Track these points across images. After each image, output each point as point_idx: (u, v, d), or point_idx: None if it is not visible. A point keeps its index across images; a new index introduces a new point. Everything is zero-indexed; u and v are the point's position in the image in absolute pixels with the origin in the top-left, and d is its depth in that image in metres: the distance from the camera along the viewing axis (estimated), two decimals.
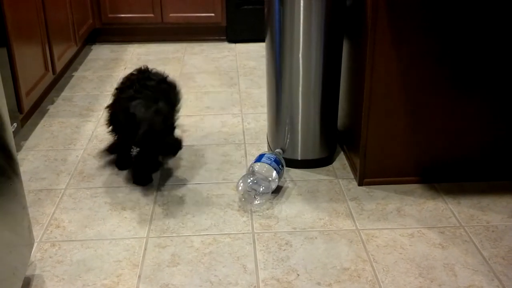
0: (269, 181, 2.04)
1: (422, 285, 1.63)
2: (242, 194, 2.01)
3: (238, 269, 1.71)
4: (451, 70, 1.98)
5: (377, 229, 1.89)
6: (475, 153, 2.12)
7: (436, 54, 1.95)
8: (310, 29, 2.07)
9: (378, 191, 2.10)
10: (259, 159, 2.11)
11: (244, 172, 2.24)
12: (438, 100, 2.02)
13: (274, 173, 2.07)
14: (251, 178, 2.03)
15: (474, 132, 2.09)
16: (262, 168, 2.06)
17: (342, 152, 2.39)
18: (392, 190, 2.11)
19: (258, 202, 2.00)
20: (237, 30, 3.88)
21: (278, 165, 2.10)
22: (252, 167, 2.08)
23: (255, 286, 1.64)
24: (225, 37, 3.95)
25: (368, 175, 2.12)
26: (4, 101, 1.52)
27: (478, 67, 1.98)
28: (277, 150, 2.24)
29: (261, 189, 2.00)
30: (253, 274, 1.68)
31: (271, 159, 2.10)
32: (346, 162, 2.32)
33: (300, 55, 2.11)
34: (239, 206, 2.02)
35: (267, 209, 2.00)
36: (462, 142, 2.10)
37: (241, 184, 2.02)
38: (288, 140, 2.26)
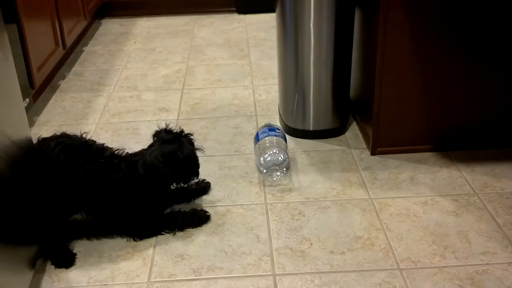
0: (284, 150, 2.03)
1: (436, 252, 1.63)
2: (266, 171, 1.98)
3: (252, 239, 1.72)
4: (465, 37, 1.94)
5: (390, 197, 1.88)
6: (488, 120, 2.09)
7: (449, 21, 1.91)
8: None
9: (391, 160, 2.09)
10: (261, 136, 2.08)
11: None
12: (451, 67, 1.99)
13: (284, 143, 2.06)
14: (270, 152, 2.00)
15: (487, 99, 2.06)
16: (272, 141, 2.05)
17: (354, 122, 2.37)
18: (405, 159, 2.09)
19: (280, 174, 1.99)
20: (246, 1, 3.83)
21: (279, 132, 2.10)
22: (261, 144, 2.05)
23: (268, 255, 1.65)
24: (234, 9, 3.91)
25: (381, 144, 2.11)
26: (16, 77, 1.52)
27: (492, 34, 1.94)
28: (267, 122, 2.22)
29: (280, 159, 1.98)
30: (266, 244, 1.70)
31: (270, 131, 2.09)
32: (358, 132, 2.31)
33: (311, 25, 2.08)
34: (252, 178, 2.02)
35: (280, 180, 2.00)
36: (475, 110, 2.07)
37: (261, 162, 1.99)
38: (300, 111, 2.25)
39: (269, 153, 2.01)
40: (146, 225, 1.74)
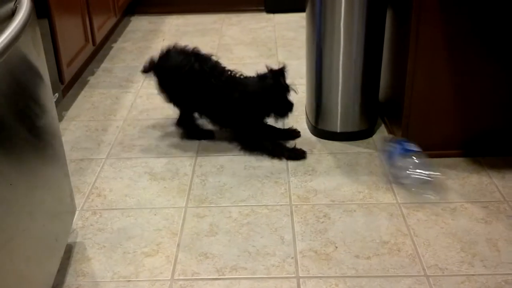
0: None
1: (464, 260, 1.60)
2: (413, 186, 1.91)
3: (276, 240, 1.71)
4: (500, 38, 1.89)
5: (418, 203, 1.85)
6: None
7: (483, 21, 1.86)
8: None
9: None
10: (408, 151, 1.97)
11: None
12: (484, 69, 1.95)
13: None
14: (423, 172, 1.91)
15: None
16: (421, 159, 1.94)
17: (383, 125, 2.34)
18: (434, 163, 2.05)
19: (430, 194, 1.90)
20: (275, 1, 3.82)
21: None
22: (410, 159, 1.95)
23: (292, 257, 1.64)
24: (263, 8, 3.90)
25: None
26: (46, 72, 1.54)
27: None
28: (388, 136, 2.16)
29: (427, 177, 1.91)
30: (291, 245, 1.68)
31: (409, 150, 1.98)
32: (387, 134, 2.27)
33: (342, 24, 2.05)
34: (277, 178, 2.01)
35: (305, 182, 1.98)
36: (508, 115, 2.02)
37: (414, 175, 1.91)
38: (327, 112, 2.23)
39: (421, 171, 1.92)
40: (250, 136, 2.18)
